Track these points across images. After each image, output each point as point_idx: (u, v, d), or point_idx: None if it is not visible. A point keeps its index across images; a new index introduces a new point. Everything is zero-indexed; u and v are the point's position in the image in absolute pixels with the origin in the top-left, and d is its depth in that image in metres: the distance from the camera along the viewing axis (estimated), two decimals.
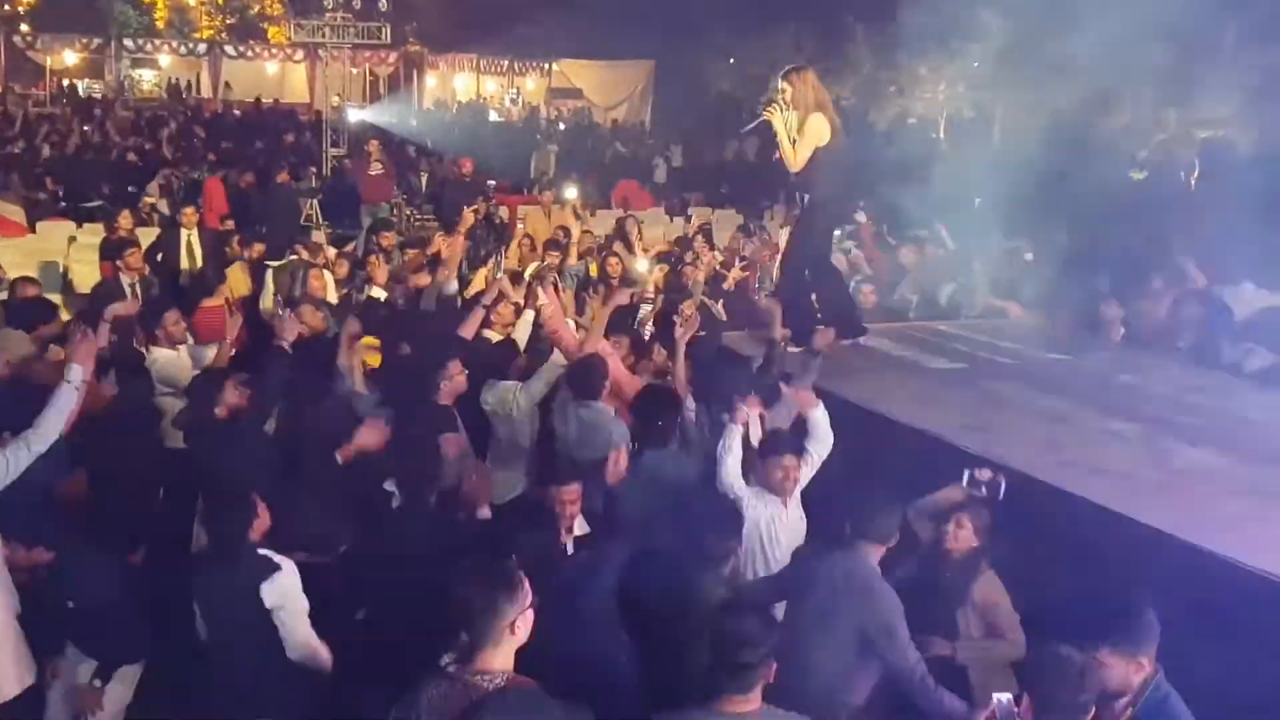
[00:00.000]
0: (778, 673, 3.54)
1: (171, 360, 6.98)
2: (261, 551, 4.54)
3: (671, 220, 16.99)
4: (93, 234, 11.66)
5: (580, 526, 5.10)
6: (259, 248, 10.21)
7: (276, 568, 4.43)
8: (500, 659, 3.32)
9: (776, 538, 5.30)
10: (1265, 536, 4.68)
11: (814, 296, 7.75)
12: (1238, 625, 4.12)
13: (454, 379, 6.09)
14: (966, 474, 5.23)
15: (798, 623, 4.49)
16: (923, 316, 9.57)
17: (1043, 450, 5.80)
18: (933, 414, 6.21)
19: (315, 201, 15.00)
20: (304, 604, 4.46)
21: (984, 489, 5.19)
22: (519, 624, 3.33)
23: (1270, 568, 4.38)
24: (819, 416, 5.58)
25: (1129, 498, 5.09)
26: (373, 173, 15.29)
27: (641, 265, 10.28)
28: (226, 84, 32.57)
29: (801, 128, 7.12)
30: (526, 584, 3.39)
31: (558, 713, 3.25)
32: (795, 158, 7.17)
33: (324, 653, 4.50)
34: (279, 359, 5.95)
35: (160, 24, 37.35)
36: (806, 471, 5.47)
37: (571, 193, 13.95)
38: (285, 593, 4.42)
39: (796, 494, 5.41)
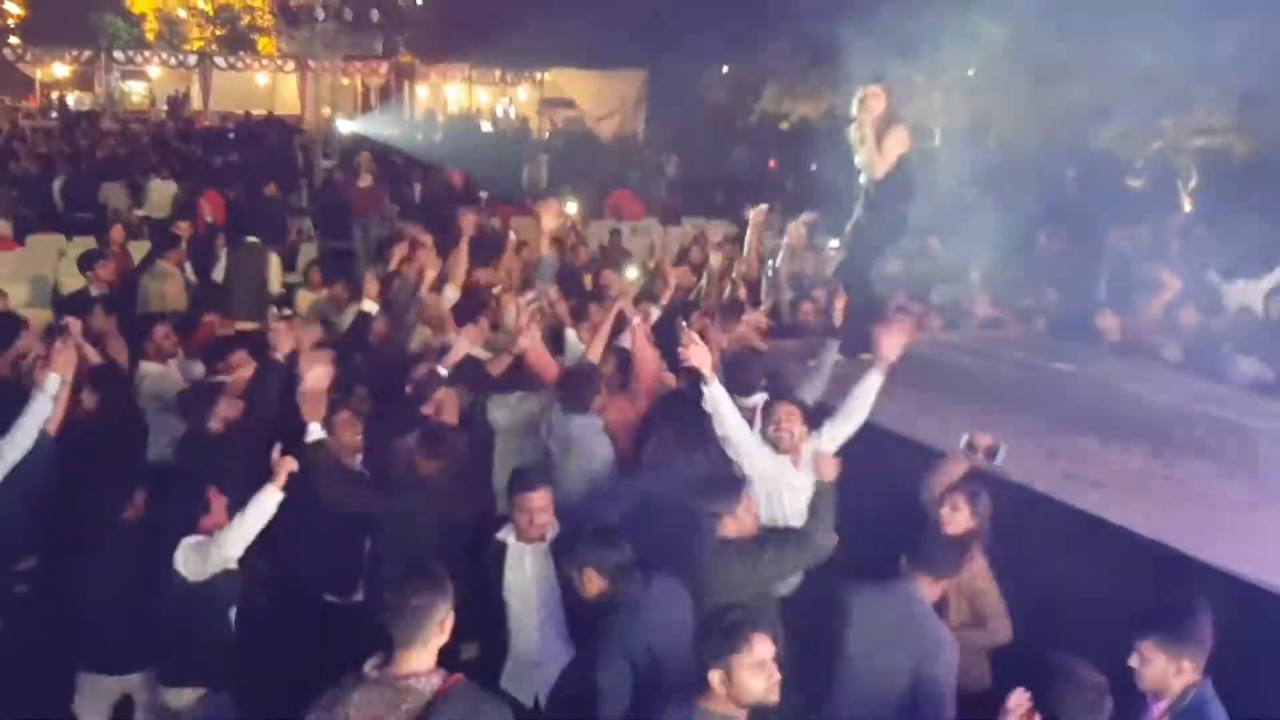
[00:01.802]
0: (822, 702, 3.47)
1: (161, 375, 6.86)
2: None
3: (666, 230, 16.91)
4: (83, 247, 11.54)
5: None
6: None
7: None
8: (426, 659, 3.37)
9: (781, 498, 5.26)
10: (1268, 550, 4.65)
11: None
12: (1241, 639, 4.03)
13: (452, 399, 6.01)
14: (964, 438, 5.20)
15: (848, 656, 4.35)
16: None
17: (1044, 462, 5.74)
18: (933, 426, 6.13)
19: (308, 218, 14.92)
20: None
21: (982, 455, 5.13)
22: (447, 623, 3.40)
23: (1273, 580, 4.35)
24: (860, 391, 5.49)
25: (1131, 510, 5.04)
26: (363, 185, 15.16)
27: (631, 273, 10.17)
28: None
29: (884, 137, 7.26)
30: (450, 585, 3.46)
31: (490, 706, 3.39)
32: (880, 163, 7.30)
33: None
34: (274, 371, 5.84)
35: (150, 36, 37.31)
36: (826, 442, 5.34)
37: (571, 207, 13.88)
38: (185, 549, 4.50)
39: (805, 461, 5.24)
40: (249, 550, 4.56)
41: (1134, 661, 3.68)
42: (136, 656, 4.79)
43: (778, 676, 3.52)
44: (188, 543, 4.51)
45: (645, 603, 4.14)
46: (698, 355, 5.09)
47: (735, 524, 4.68)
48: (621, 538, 4.28)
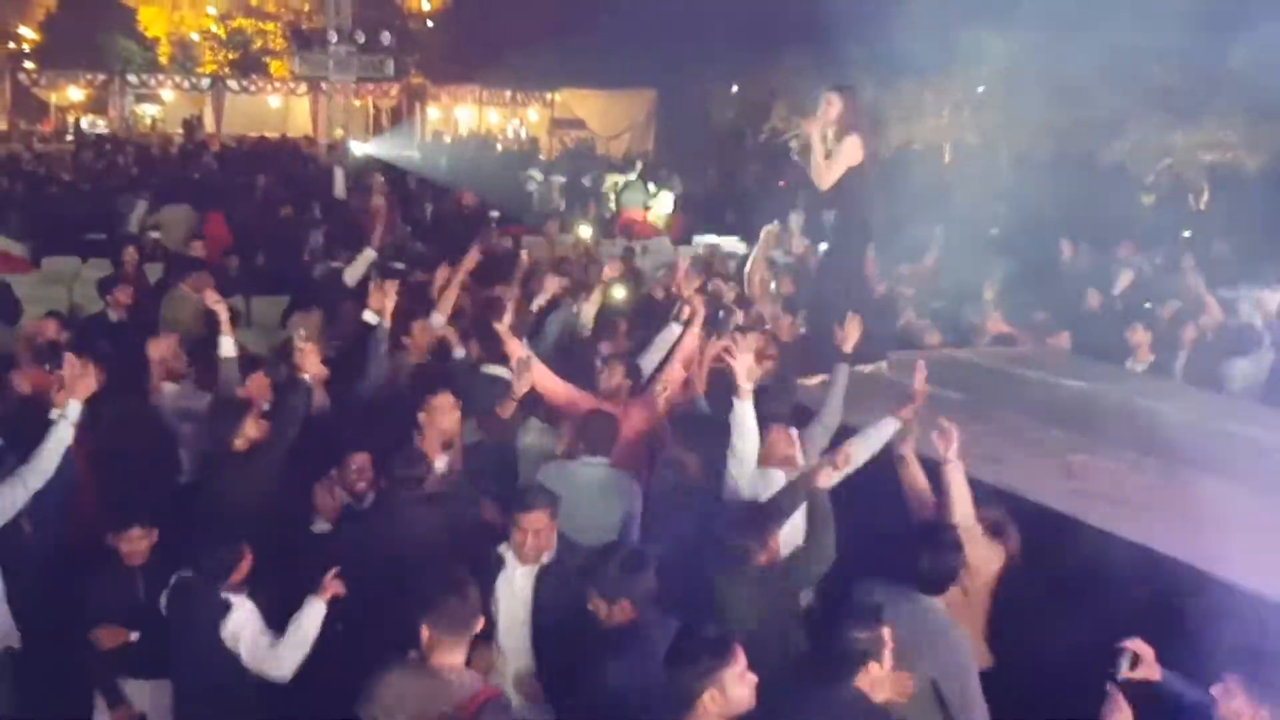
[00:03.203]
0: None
1: (179, 392, 6.89)
2: (225, 596, 4.60)
3: (676, 249, 16.93)
4: (98, 269, 11.60)
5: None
6: None
7: (229, 605, 4.56)
8: (459, 655, 3.78)
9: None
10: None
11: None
12: (1261, 657, 4.00)
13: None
14: None
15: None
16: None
17: (1060, 480, 5.72)
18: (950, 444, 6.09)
19: (319, 235, 14.94)
20: (257, 626, 4.57)
21: None
22: (475, 624, 3.81)
23: None
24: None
25: (1146, 526, 5.01)
26: (375, 205, 15.21)
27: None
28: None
29: (837, 146, 7.14)
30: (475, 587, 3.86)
31: None
32: (825, 175, 7.16)
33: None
34: (299, 391, 5.84)
35: (163, 59, 37.54)
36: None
37: (586, 231, 13.93)
38: (240, 625, 4.55)
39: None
40: None
41: (1216, 691, 3.71)
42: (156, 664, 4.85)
43: (755, 679, 3.54)
44: (258, 637, 4.55)
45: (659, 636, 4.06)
46: (743, 366, 5.08)
47: (766, 555, 4.63)
48: (648, 562, 4.28)
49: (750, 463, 5.26)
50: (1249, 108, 17.27)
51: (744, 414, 5.16)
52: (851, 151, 7.12)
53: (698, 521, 5.07)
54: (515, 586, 4.71)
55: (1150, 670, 3.98)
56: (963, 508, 4.89)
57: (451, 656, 3.80)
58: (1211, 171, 18.64)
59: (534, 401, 6.45)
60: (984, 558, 4.85)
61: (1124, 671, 3.96)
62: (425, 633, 3.82)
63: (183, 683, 4.77)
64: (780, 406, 5.98)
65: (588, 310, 8.23)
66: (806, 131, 7.25)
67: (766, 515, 4.80)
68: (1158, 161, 18.87)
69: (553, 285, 8.28)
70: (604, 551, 4.47)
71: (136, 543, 5.00)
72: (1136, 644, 4.01)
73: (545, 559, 4.71)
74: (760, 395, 5.52)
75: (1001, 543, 4.96)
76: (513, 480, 6.30)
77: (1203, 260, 12.10)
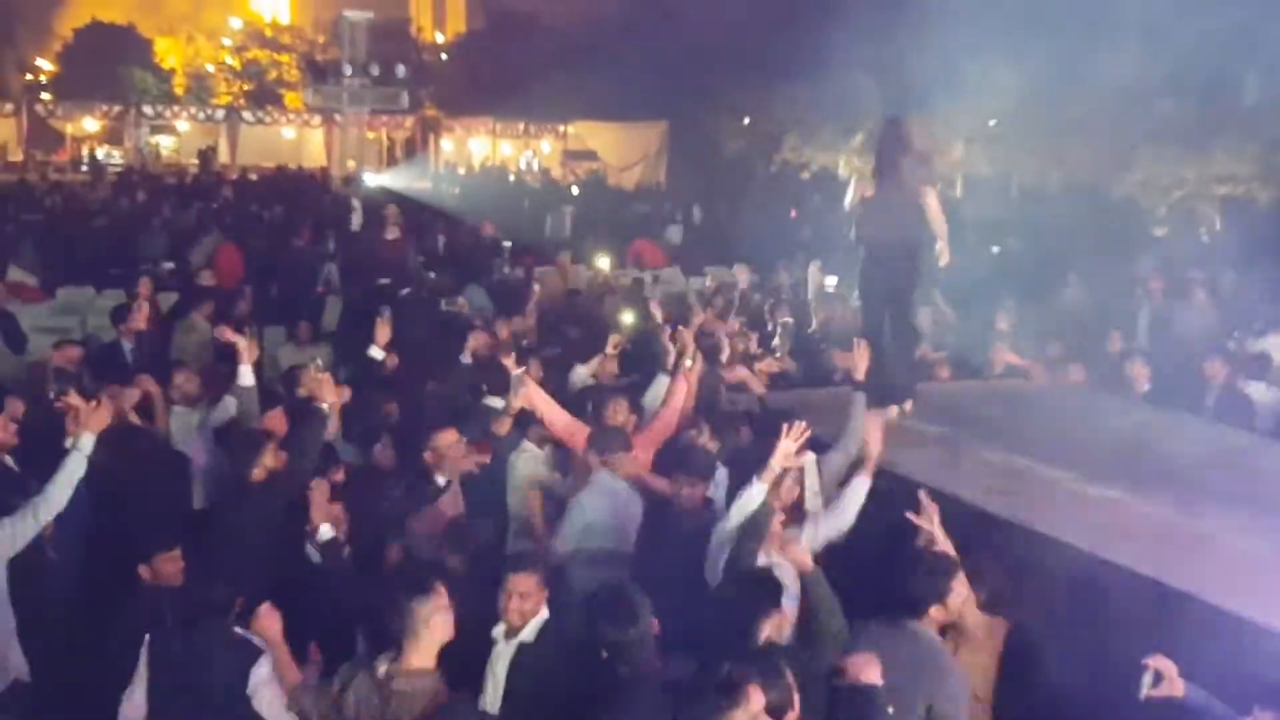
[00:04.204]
0: None
1: (185, 417, 6.95)
2: (239, 631, 4.41)
3: (688, 279, 16.96)
4: (113, 299, 11.65)
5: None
6: None
7: (258, 652, 4.31)
8: (421, 656, 3.82)
9: None
10: None
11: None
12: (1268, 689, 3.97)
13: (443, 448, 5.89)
14: None
15: None
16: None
17: (1072, 513, 5.70)
18: (957, 478, 6.09)
19: (333, 266, 15.02)
20: (280, 691, 4.31)
21: None
22: (435, 621, 3.81)
23: None
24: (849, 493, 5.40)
25: (1159, 561, 4.98)
26: (389, 237, 15.29)
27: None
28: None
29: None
30: (440, 586, 3.89)
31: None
32: (849, 200, 7.49)
33: None
34: (316, 421, 5.86)
35: (179, 91, 37.92)
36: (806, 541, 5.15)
37: (604, 262, 14.00)
38: (263, 680, 4.29)
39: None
40: None
41: None
42: None
43: None
44: (275, 700, 4.35)
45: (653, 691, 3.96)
46: (782, 450, 4.98)
47: (774, 628, 4.48)
48: (639, 603, 4.14)
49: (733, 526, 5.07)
50: (1261, 140, 17.30)
51: (757, 494, 5.01)
52: (865, 185, 7.24)
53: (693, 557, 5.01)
54: (496, 667, 4.37)
55: (1174, 687, 3.89)
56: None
57: (418, 660, 3.83)
58: (1223, 204, 18.64)
59: (527, 422, 6.53)
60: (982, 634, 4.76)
61: (1146, 690, 3.91)
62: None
63: None
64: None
65: (582, 373, 8.17)
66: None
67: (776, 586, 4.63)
68: (1169, 194, 18.88)
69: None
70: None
71: (174, 564, 4.94)
72: (1158, 660, 3.92)
73: (529, 635, 4.35)
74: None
75: (1000, 614, 4.83)
76: (502, 511, 6.32)
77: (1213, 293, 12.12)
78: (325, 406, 5.89)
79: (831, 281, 11.76)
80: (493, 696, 4.33)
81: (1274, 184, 17.90)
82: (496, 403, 6.82)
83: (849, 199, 7.44)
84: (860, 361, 6.56)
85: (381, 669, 3.86)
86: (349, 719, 3.88)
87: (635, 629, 4.04)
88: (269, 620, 4.28)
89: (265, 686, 4.30)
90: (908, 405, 7.26)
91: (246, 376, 6.54)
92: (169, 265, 14.09)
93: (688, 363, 6.93)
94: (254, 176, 27.70)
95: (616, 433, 6.06)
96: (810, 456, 5.71)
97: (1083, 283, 12.25)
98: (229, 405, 6.59)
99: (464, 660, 4.10)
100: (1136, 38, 15.55)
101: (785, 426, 5.02)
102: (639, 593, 4.26)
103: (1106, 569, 4.99)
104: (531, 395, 6.48)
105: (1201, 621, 4.54)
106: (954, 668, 4.34)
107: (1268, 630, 4.37)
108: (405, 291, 12.05)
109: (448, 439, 5.92)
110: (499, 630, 4.37)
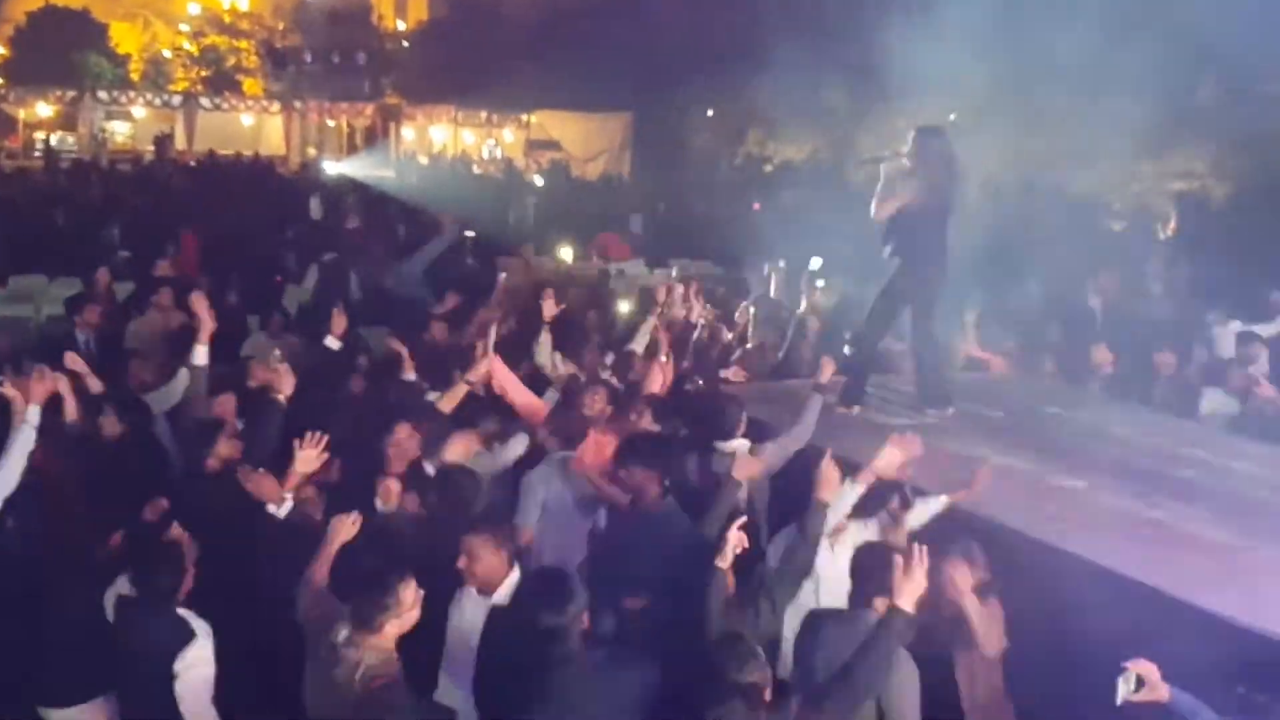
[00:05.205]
0: None
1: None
2: (181, 613, 4.48)
3: (652, 272, 16.96)
4: (66, 288, 11.49)
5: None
6: None
7: (192, 635, 4.41)
8: (382, 636, 3.95)
9: None
10: (1252, 592, 4.66)
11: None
12: (1230, 683, 4.02)
13: (401, 444, 5.79)
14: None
15: (815, 683, 4.27)
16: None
17: (1033, 506, 5.75)
18: (918, 470, 6.12)
19: (292, 256, 14.88)
20: (208, 674, 4.42)
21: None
22: (402, 609, 3.97)
23: (1259, 624, 4.36)
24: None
25: (1117, 553, 5.04)
26: (349, 226, 15.20)
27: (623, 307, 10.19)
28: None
29: (901, 185, 7.17)
30: (411, 580, 4.02)
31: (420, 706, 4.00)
32: (879, 209, 7.19)
33: None
34: (273, 412, 5.82)
35: (135, 76, 37.37)
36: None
37: (567, 253, 13.95)
38: (191, 665, 4.37)
39: None
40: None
41: None
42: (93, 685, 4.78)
43: None
44: (200, 686, 4.42)
45: (576, 673, 3.97)
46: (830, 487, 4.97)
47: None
48: (575, 588, 4.10)
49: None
50: (1216, 138, 17.55)
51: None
52: (909, 192, 7.13)
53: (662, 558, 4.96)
54: (465, 612, 4.56)
55: (1157, 692, 3.67)
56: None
57: (374, 643, 3.93)
58: (1179, 200, 18.90)
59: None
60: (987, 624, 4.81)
61: (1126, 695, 3.66)
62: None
63: (130, 708, 4.63)
64: (729, 421, 6.12)
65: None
66: (887, 168, 7.28)
67: None
68: (1126, 190, 19.12)
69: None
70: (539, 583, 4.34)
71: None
72: (1139, 664, 3.69)
73: (502, 596, 4.47)
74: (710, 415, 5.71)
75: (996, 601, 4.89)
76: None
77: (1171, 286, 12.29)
78: (281, 398, 5.85)
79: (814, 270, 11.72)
80: (464, 654, 4.46)
81: (1228, 180, 18.19)
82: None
83: (881, 207, 7.21)
84: (826, 372, 6.64)
85: (341, 634, 3.99)
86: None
87: (570, 612, 4.03)
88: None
89: (193, 670, 4.36)
90: (948, 411, 7.42)
91: (201, 355, 6.50)
92: (125, 254, 13.88)
93: (663, 357, 7.01)
94: (194, 163, 27.25)
95: (577, 419, 6.07)
96: (743, 444, 5.82)
97: (1041, 277, 12.35)
98: (178, 385, 6.55)
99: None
100: (1096, 36, 15.69)
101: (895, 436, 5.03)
102: (574, 578, 4.27)
103: (1066, 560, 5.06)
104: (496, 370, 6.46)
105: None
106: (905, 661, 4.33)
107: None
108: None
109: (404, 432, 5.83)
110: (467, 588, 4.53)
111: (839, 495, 5.05)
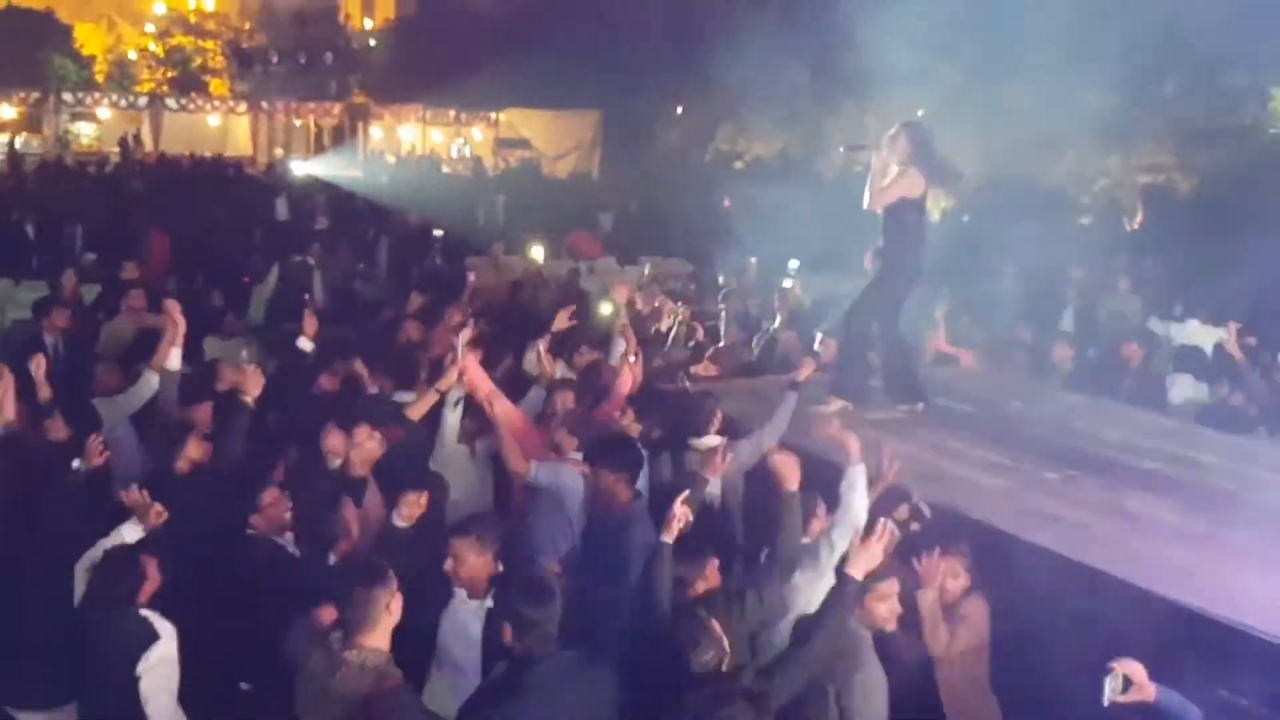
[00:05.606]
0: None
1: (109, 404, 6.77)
2: (144, 614, 4.48)
3: (623, 269, 16.95)
4: (32, 290, 11.36)
5: None
6: None
7: (155, 637, 4.41)
8: (377, 637, 3.87)
9: None
10: (1219, 583, 4.69)
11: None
12: (1194, 672, 4.06)
13: (362, 446, 5.77)
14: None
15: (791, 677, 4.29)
16: None
17: (999, 499, 5.79)
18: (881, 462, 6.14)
19: (259, 258, 14.80)
20: (172, 677, 4.43)
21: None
22: (392, 605, 3.90)
23: (1224, 613, 4.39)
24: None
25: (1085, 545, 5.08)
26: (318, 227, 15.13)
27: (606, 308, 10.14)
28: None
29: (897, 176, 7.16)
30: (392, 573, 3.97)
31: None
32: (877, 196, 7.19)
33: None
34: (242, 415, 5.81)
35: (100, 77, 36.97)
36: None
37: (538, 252, 13.87)
38: (154, 666, 4.38)
39: None
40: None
41: None
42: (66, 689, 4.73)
43: None
44: (163, 687, 4.42)
45: (546, 672, 3.92)
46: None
47: (704, 584, 4.57)
48: (552, 595, 4.04)
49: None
50: (1182, 131, 17.72)
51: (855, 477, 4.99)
52: (912, 183, 7.15)
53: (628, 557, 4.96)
54: (458, 619, 4.58)
55: (1144, 691, 3.59)
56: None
57: (370, 641, 3.87)
58: (1145, 193, 19.08)
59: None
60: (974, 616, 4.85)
61: (1113, 696, 3.58)
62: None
63: (94, 709, 4.60)
64: (702, 417, 6.18)
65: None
66: (876, 159, 7.29)
67: (702, 546, 4.73)
68: (1094, 183, 19.28)
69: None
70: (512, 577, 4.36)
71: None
72: (1125, 664, 3.60)
73: (485, 591, 4.49)
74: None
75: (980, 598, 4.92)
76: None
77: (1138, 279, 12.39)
78: (249, 399, 5.84)
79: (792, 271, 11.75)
80: (464, 657, 4.48)
81: (1192, 173, 18.37)
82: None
83: (880, 196, 7.19)
84: (805, 369, 6.68)
85: (336, 640, 3.97)
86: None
87: (547, 609, 4.00)
88: None
89: (156, 670, 4.37)
90: (919, 407, 7.44)
91: (175, 359, 6.43)
92: (91, 256, 13.75)
93: (631, 357, 7.02)
94: (149, 163, 26.99)
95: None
96: (714, 440, 5.83)
97: (1012, 271, 12.44)
98: (148, 386, 6.43)
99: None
100: (1062, 30, 15.81)
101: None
102: (554, 579, 4.27)
103: (1035, 554, 5.09)
104: (473, 377, 6.41)
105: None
106: (873, 664, 4.36)
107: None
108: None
109: (364, 433, 5.81)
110: (460, 595, 4.54)
111: (848, 504, 4.89)
